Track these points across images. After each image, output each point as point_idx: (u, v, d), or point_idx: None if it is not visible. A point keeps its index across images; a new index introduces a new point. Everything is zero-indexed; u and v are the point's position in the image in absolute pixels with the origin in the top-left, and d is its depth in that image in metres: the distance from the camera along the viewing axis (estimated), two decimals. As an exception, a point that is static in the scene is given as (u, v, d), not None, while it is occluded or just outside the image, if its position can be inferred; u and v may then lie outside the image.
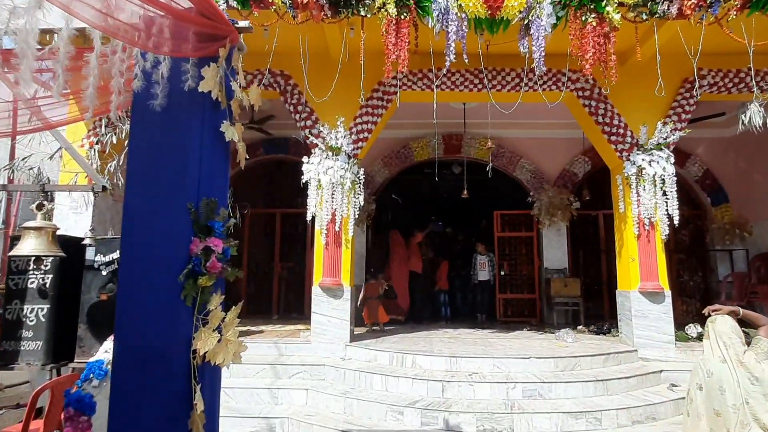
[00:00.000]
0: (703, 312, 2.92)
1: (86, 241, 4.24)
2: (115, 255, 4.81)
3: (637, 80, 5.55)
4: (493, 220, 8.64)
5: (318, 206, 5.52)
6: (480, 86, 5.77)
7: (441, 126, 8.31)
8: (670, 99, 5.64)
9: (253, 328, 6.51)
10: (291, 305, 8.65)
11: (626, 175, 5.46)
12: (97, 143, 5.54)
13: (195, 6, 1.79)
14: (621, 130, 5.60)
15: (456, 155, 8.65)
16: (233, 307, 1.89)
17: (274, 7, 4.72)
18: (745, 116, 5.04)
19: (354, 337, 5.69)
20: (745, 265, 7.83)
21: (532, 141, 8.52)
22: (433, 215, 10.25)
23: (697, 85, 5.34)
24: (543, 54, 4.51)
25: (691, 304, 8.40)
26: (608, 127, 5.63)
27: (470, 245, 9.30)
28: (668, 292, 5.36)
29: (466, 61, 4.62)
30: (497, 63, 5.71)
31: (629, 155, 5.50)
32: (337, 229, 5.53)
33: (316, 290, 5.52)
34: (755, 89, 5.17)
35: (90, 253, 5.03)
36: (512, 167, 8.54)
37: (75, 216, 6.02)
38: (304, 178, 5.57)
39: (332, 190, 5.49)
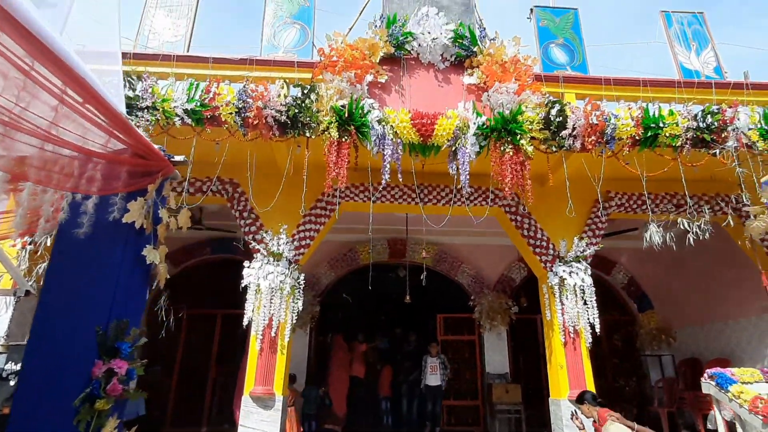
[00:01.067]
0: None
1: (-4, 349, 4.03)
2: (30, 362, 4.52)
3: (557, 199, 6.21)
4: (436, 323, 8.77)
5: (256, 311, 5.51)
6: (417, 200, 6.26)
7: (386, 231, 8.79)
8: (585, 217, 6.31)
9: None
10: (224, 414, 8.08)
11: (550, 284, 5.88)
12: (30, 243, 5.45)
13: (129, 148, 2.04)
14: (544, 243, 6.13)
15: (401, 259, 8.98)
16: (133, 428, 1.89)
17: (226, 125, 5.14)
18: (646, 234, 5.69)
19: (286, 453, 5.36)
20: (673, 370, 8.19)
21: (473, 247, 9.03)
22: (382, 317, 10.28)
23: (601, 207, 6.07)
24: (468, 177, 5.08)
25: (628, 410, 8.51)
26: (533, 240, 6.16)
27: (422, 346, 9.15)
28: (595, 401, 5.50)
29: (401, 179, 5.12)
30: (432, 180, 6.28)
31: (552, 266, 5.97)
32: (273, 334, 5.48)
33: (246, 400, 5.29)
34: (649, 212, 5.91)
35: (0, 361, 4.72)
36: (454, 272, 8.91)
37: (-7, 318, 5.69)
38: (244, 282, 5.62)
39: (271, 295, 5.54)
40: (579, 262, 5.90)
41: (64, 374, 1.73)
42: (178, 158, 2.41)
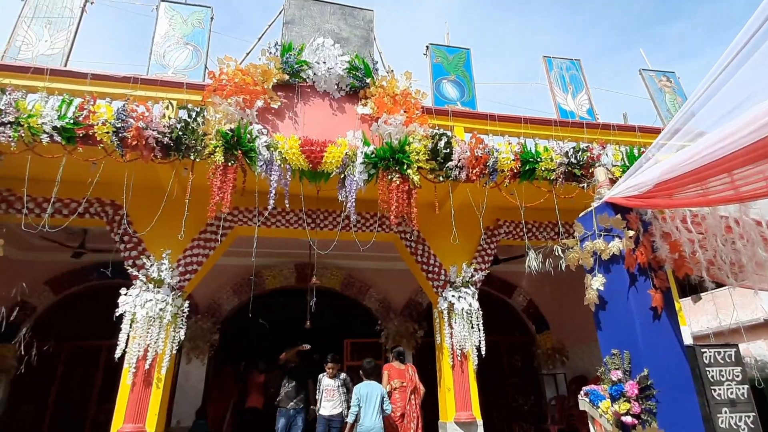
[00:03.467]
0: None
1: None
2: None
3: (450, 226, 6.45)
4: (344, 348, 8.69)
5: (131, 341, 5.15)
6: (313, 225, 6.24)
7: (293, 255, 8.66)
8: (476, 244, 6.60)
9: None
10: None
11: (440, 309, 6.04)
12: None
13: None
14: (437, 269, 6.32)
15: (308, 284, 8.84)
16: None
17: (102, 145, 4.86)
18: (528, 261, 6.04)
19: (159, 498, 4.97)
20: (566, 387, 8.68)
21: (380, 272, 9.12)
22: (287, 343, 9.98)
23: (483, 234, 6.37)
24: (354, 204, 5.16)
25: (527, 428, 8.88)
26: (426, 265, 6.33)
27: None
28: (480, 422, 5.67)
29: (287, 204, 5.07)
30: (328, 205, 6.29)
31: (443, 291, 6.15)
32: (147, 366, 5.13)
33: (113, 442, 4.87)
34: (525, 239, 6.32)
35: None
36: (362, 296, 8.93)
37: None
38: (119, 311, 5.24)
39: (149, 324, 5.20)
40: (467, 287, 6.13)
41: None
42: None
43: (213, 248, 5.91)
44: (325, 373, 6.17)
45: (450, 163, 5.51)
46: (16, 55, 5.53)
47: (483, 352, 5.88)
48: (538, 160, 5.69)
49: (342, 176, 5.33)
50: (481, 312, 6.09)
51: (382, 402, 5.42)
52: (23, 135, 4.74)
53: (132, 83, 5.42)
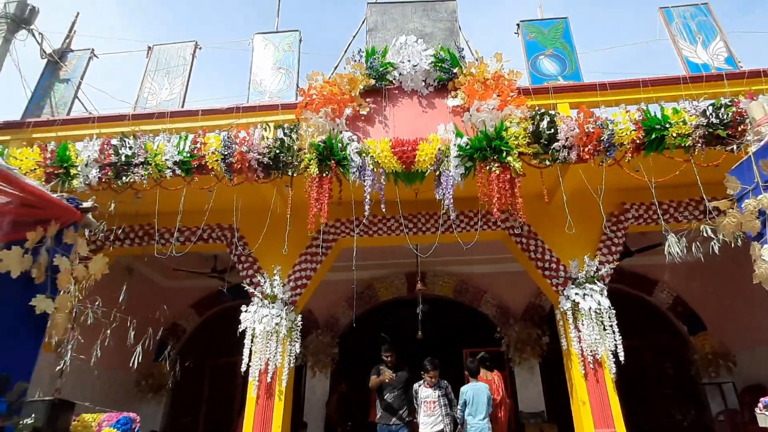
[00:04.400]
0: None
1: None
2: (30, 420, 4.60)
3: (563, 216, 5.77)
4: (462, 358, 8.25)
5: (253, 355, 5.40)
6: (414, 230, 6.03)
7: (403, 265, 8.55)
8: (598, 233, 5.80)
9: None
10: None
11: (562, 309, 5.37)
12: None
13: (13, 199, 2.03)
14: (554, 265, 5.66)
15: (414, 292, 8.64)
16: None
17: (213, 172, 5.25)
18: (668, 247, 5.10)
19: None
20: (736, 399, 7.16)
21: (494, 275, 8.57)
22: (404, 354, 9.82)
23: (604, 221, 5.50)
24: (452, 201, 4.83)
25: (690, 449, 7.50)
26: (541, 262, 5.71)
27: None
28: (628, 441, 4.84)
29: (383, 209, 4.95)
30: (429, 208, 6.04)
31: (564, 289, 5.47)
32: (269, 379, 5.31)
33: (248, 454, 5.10)
34: (661, 221, 5.33)
35: (7, 419, 4.80)
36: (477, 302, 8.45)
37: (13, 376, 5.89)
38: (241, 327, 5.55)
39: (267, 338, 5.42)
40: (593, 283, 5.37)
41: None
42: (87, 204, 2.40)
43: (319, 262, 6.01)
44: (422, 382, 5.18)
45: (556, 143, 4.92)
46: (144, 104, 6.31)
47: (621, 358, 5.05)
48: (667, 125, 4.83)
49: (437, 173, 5.06)
50: (613, 311, 5.27)
51: (489, 404, 5.00)
52: (151, 172, 5.32)
53: (235, 113, 5.82)
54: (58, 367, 5.91)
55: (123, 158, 5.35)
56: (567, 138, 4.91)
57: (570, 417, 7.74)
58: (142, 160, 5.33)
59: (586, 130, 4.88)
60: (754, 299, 7.21)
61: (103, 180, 5.32)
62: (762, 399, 5.05)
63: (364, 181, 5.00)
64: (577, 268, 5.48)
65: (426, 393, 5.17)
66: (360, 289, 8.74)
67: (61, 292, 2.19)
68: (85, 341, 5.85)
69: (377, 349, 11.15)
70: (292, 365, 5.50)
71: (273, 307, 5.55)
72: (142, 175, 5.29)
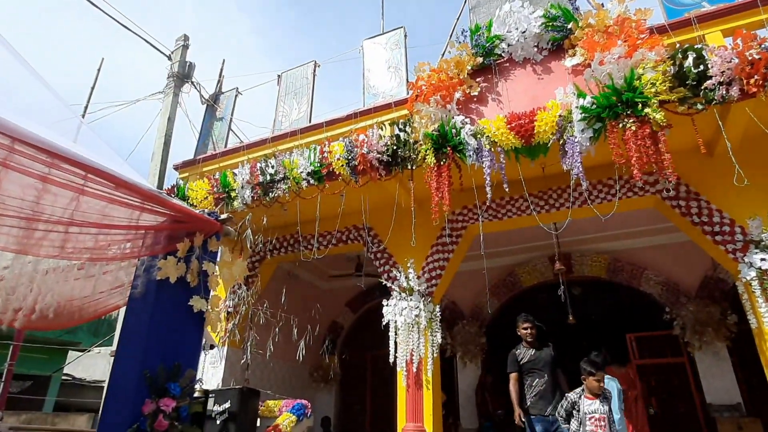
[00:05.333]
0: None
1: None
2: (227, 405, 5.53)
3: (729, 168, 4.77)
4: (627, 344, 7.38)
5: (399, 347, 5.63)
6: (547, 207, 5.63)
7: (545, 248, 8.04)
8: (788, 181, 4.66)
9: None
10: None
11: (745, 280, 4.43)
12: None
13: (168, 217, 2.49)
14: (727, 228, 4.72)
15: (568, 276, 7.99)
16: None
17: (341, 177, 5.65)
18: None
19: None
20: None
21: (656, 249, 7.48)
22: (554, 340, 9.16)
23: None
24: (581, 170, 4.39)
25: None
26: (708, 226, 4.81)
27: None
28: None
29: (506, 188, 4.73)
30: (560, 182, 5.58)
31: (744, 256, 4.51)
32: (415, 370, 5.48)
33: (399, 437, 5.34)
34: None
35: (210, 403, 5.86)
36: (636, 281, 7.48)
37: (212, 369, 7.13)
38: (384, 321, 5.83)
39: (408, 330, 5.60)
40: (786, 243, 4.33)
41: (122, 413, 2.13)
42: (223, 216, 2.81)
43: (451, 251, 6.00)
44: (581, 391, 3.80)
45: (708, 82, 4.12)
46: (280, 127, 7.09)
47: (843, 334, 3.97)
48: None
49: (561, 142, 4.65)
50: (823, 275, 4.18)
51: (620, 397, 4.16)
52: (291, 185, 5.94)
53: (353, 118, 6.18)
54: (243, 360, 7.00)
55: (268, 177, 6.08)
56: (723, 72, 4.08)
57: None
58: (283, 176, 5.97)
59: (749, 58, 3.99)
60: None
61: (255, 198, 6.11)
62: None
63: (483, 162, 4.84)
64: (760, 227, 4.48)
65: (593, 407, 3.66)
66: (502, 276, 8.47)
67: (212, 293, 2.60)
68: (262, 338, 6.84)
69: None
70: (435, 355, 5.59)
71: (411, 299, 5.71)
72: (284, 189, 5.94)
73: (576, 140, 4.46)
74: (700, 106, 4.22)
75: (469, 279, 8.08)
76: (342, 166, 5.55)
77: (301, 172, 5.83)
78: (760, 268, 4.32)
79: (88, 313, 3.35)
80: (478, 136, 4.92)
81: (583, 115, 4.41)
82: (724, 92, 4.11)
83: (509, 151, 4.86)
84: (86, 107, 8.17)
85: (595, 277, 7.79)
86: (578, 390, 3.84)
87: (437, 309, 5.76)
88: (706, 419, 6.48)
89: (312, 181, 5.79)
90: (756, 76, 3.98)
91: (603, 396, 3.73)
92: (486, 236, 7.39)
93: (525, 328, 4.75)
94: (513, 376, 4.57)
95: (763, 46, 3.96)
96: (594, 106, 4.38)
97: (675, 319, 6.83)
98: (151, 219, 2.45)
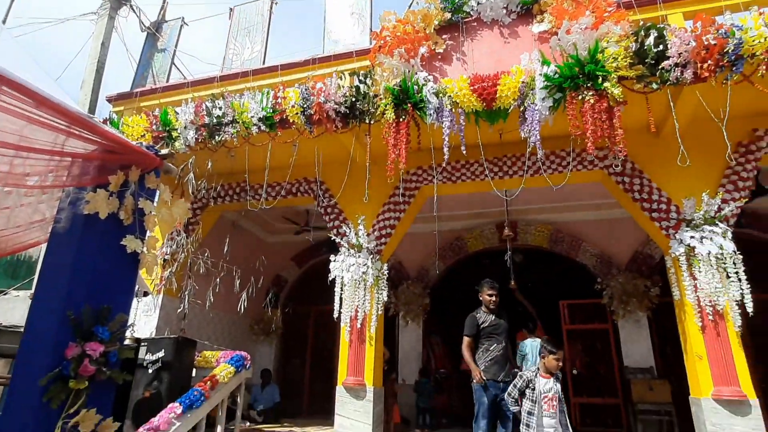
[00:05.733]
0: None
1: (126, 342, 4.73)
2: (161, 354, 5.30)
3: (675, 150, 5.01)
4: (559, 311, 7.83)
5: (344, 303, 5.62)
6: (500, 174, 5.68)
7: (493, 215, 8.21)
8: (721, 167, 4.96)
9: (282, 429, 6.47)
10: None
11: (674, 255, 4.74)
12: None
13: (99, 146, 2.20)
14: (663, 206, 4.99)
15: (513, 243, 8.25)
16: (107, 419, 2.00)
17: (295, 126, 5.37)
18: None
19: (383, 444, 5.34)
20: None
21: (595, 223, 7.86)
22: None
23: (729, 152, 4.61)
24: (538, 138, 4.42)
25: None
26: (647, 203, 5.07)
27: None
28: (755, 401, 4.23)
29: (464, 151, 4.69)
30: (516, 149, 5.63)
31: (676, 233, 4.81)
32: (359, 325, 5.51)
33: (339, 390, 5.40)
34: None
35: (142, 352, 5.61)
36: (574, 252, 7.87)
37: (145, 318, 6.82)
38: (331, 276, 5.77)
39: (355, 286, 5.58)
40: (714, 224, 4.64)
41: (41, 357, 1.92)
42: (164, 151, 2.55)
43: (403, 211, 5.97)
44: (536, 370, 3.70)
45: (666, 62, 4.20)
46: (230, 65, 6.60)
47: (750, 309, 4.37)
48: (819, 26, 3.86)
49: (522, 109, 4.64)
50: (740, 256, 4.54)
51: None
52: (240, 130, 5.58)
53: (311, 65, 5.85)
54: (180, 310, 6.74)
55: (215, 119, 5.68)
56: (680, 54, 4.17)
57: (686, 375, 7.07)
58: (231, 118, 5.59)
59: (705, 42, 4.09)
60: None
61: (199, 140, 5.71)
62: None
63: (443, 122, 4.76)
64: (693, 207, 4.76)
65: (548, 385, 3.59)
66: (449, 240, 8.61)
67: (149, 234, 2.37)
68: (201, 288, 6.59)
69: (467, 298, 10.98)
70: (380, 312, 5.63)
71: (359, 256, 5.66)
72: (232, 134, 5.58)
73: (536, 108, 4.46)
74: (655, 86, 4.32)
75: (417, 240, 8.15)
76: (296, 114, 5.27)
77: (252, 117, 5.49)
78: (688, 245, 4.63)
79: (2, 248, 3.01)
80: (440, 95, 4.81)
81: (545, 83, 4.40)
82: (678, 74, 4.22)
83: (470, 113, 4.80)
84: (4, 20, 7.17)
85: (538, 246, 8.10)
86: (533, 368, 3.78)
87: (385, 267, 5.77)
88: (622, 380, 7.08)
89: (263, 128, 5.47)
90: (709, 61, 4.09)
91: (556, 376, 3.69)
92: (438, 199, 7.45)
93: (490, 295, 4.49)
94: (469, 339, 4.37)
95: (720, 32, 4.06)
96: (557, 76, 4.37)
97: (605, 289, 7.29)
98: (79, 147, 2.16)
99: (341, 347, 5.60)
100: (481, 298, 4.60)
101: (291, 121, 5.32)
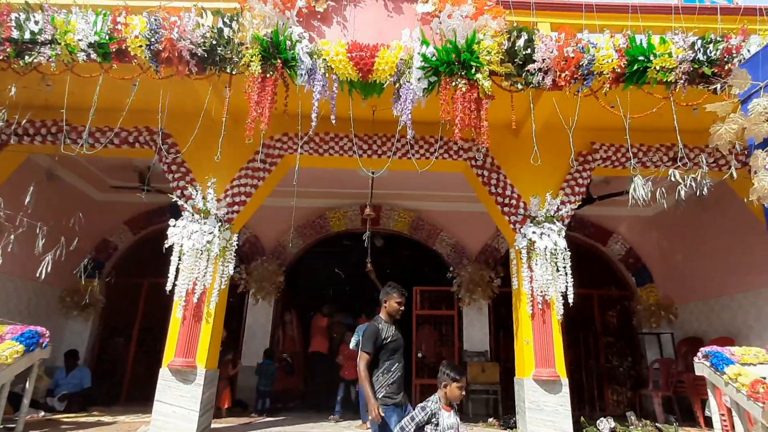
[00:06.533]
0: None
1: None
2: None
3: (529, 151, 5.36)
4: (413, 297, 8.05)
5: (180, 274, 4.91)
6: (369, 152, 5.51)
7: (358, 196, 8.07)
8: (564, 172, 5.47)
9: (88, 419, 5.54)
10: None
11: (518, 248, 5.09)
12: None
13: None
14: (514, 201, 5.33)
15: (375, 227, 8.26)
16: None
17: (136, 61, 4.47)
18: (630, 189, 4.80)
19: (208, 432, 4.82)
20: (672, 350, 7.36)
21: (453, 214, 8.25)
22: (346, 287, 9.60)
23: (572, 157, 5.13)
24: (410, 117, 4.31)
25: (621, 393, 7.77)
26: (501, 197, 5.37)
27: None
28: (565, 381, 4.76)
29: (333, 122, 4.37)
30: (387, 129, 5.50)
31: (521, 228, 5.17)
32: (196, 300, 4.88)
33: (164, 373, 4.73)
34: (632, 162, 5.04)
35: None
36: (432, 241, 8.16)
37: None
38: (168, 243, 5.01)
39: (196, 256, 4.92)
40: (552, 222, 5.09)
41: None
42: None
43: (262, 179, 5.44)
44: (438, 401, 3.00)
45: (531, 65, 4.39)
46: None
47: (571, 300, 4.88)
48: (651, 56, 4.38)
49: (397, 87, 4.47)
50: (568, 253, 5.05)
51: None
52: (61, 53, 4.47)
53: (167, -7, 4.92)
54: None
55: (27, 34, 4.48)
56: (544, 60, 4.39)
57: (514, 359, 7.82)
58: (50, 37, 4.47)
59: (566, 54, 4.37)
60: (700, 255, 7.26)
61: (2, 58, 4.46)
62: (701, 348, 5.07)
63: (314, 86, 4.36)
64: (538, 206, 5.16)
65: (450, 419, 2.99)
66: (312, 217, 8.27)
67: None
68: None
69: (327, 280, 10.80)
70: (223, 287, 5.05)
71: (205, 223, 5.00)
72: (50, 56, 4.47)
73: (411, 87, 4.34)
74: (520, 86, 4.51)
75: (276, 214, 7.62)
76: (140, 47, 4.41)
77: (80, 41, 4.46)
78: (530, 239, 4.99)
79: None
80: (315, 56, 4.41)
81: (423, 63, 4.28)
82: (540, 78, 4.44)
83: (344, 82, 4.49)
84: None
85: (399, 231, 8.21)
86: (434, 398, 3.07)
87: (235, 238, 5.20)
88: (460, 362, 7.54)
89: (94, 56, 4.49)
90: (567, 72, 4.38)
91: (455, 408, 3.10)
92: (301, 172, 7.00)
93: (399, 303, 3.44)
94: (368, 357, 3.21)
95: (579, 45, 4.37)
96: (434, 58, 4.29)
97: (455, 278, 7.68)
98: None
99: (171, 324, 4.92)
100: (385, 305, 3.44)
101: (132, 54, 4.43)
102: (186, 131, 5.25)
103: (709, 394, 4.92)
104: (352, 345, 5.62)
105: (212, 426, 5.17)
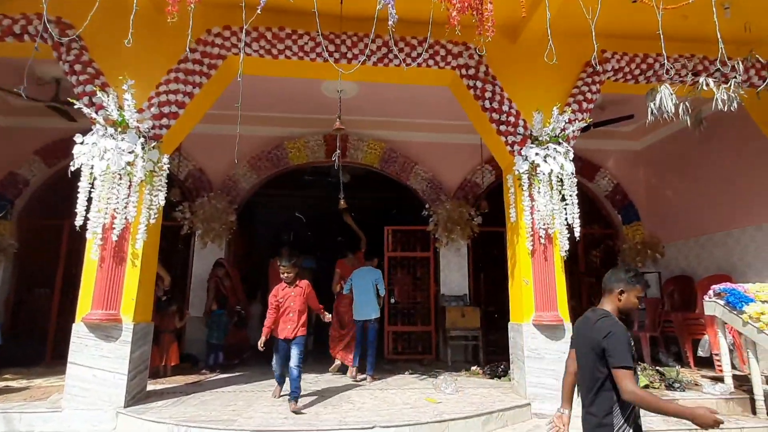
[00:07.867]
0: None
1: None
2: None
3: (531, 61, 4.42)
4: (384, 236, 7.23)
5: (93, 204, 3.80)
6: (338, 55, 4.39)
7: (322, 123, 6.93)
8: (570, 84, 4.59)
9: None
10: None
11: (517, 173, 4.26)
12: None
13: None
14: (512, 119, 4.43)
15: (341, 160, 7.22)
16: None
17: None
18: (654, 103, 4.00)
19: (140, 397, 3.92)
20: (658, 289, 6.98)
21: (430, 145, 7.33)
22: (309, 231, 8.66)
23: (581, 73, 4.24)
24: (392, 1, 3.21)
25: (603, 335, 7.42)
26: (497, 114, 4.45)
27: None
28: (569, 325, 4.13)
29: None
30: (359, 28, 4.36)
31: (521, 149, 4.32)
32: (115, 238, 3.81)
33: (78, 329, 3.72)
34: (665, 65, 4.21)
35: None
36: (406, 175, 7.25)
37: None
38: (73, 166, 3.84)
39: (112, 182, 3.80)
40: (559, 143, 4.26)
41: None
42: None
43: (199, 85, 4.26)
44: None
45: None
46: None
47: (577, 234, 4.16)
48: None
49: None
50: (575, 180, 4.28)
51: None
52: None
53: None
54: None
55: None
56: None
57: (496, 302, 7.23)
58: None
59: None
60: (692, 190, 6.76)
61: None
62: (713, 286, 4.55)
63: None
64: (541, 123, 4.29)
65: None
66: (267, 148, 7.12)
67: None
68: None
69: (286, 222, 9.75)
70: (153, 221, 3.99)
71: (123, 139, 3.84)
72: None
73: (395, -49, 3.22)
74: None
75: (224, 144, 6.38)
76: None
77: None
78: (532, 162, 4.16)
79: None
80: None
81: None
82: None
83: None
84: None
85: (368, 165, 7.24)
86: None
87: (165, 159, 4.07)
88: (436, 308, 6.91)
89: None
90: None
91: None
92: (254, 89, 5.86)
93: (640, 298, 2.34)
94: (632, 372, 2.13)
95: None
96: None
97: (431, 216, 6.88)
98: None
99: (85, 268, 3.85)
100: (618, 296, 1.49)
101: None
102: (92, 19, 3.94)
103: (720, 334, 4.45)
104: (345, 291, 5.49)
105: (150, 388, 4.29)
